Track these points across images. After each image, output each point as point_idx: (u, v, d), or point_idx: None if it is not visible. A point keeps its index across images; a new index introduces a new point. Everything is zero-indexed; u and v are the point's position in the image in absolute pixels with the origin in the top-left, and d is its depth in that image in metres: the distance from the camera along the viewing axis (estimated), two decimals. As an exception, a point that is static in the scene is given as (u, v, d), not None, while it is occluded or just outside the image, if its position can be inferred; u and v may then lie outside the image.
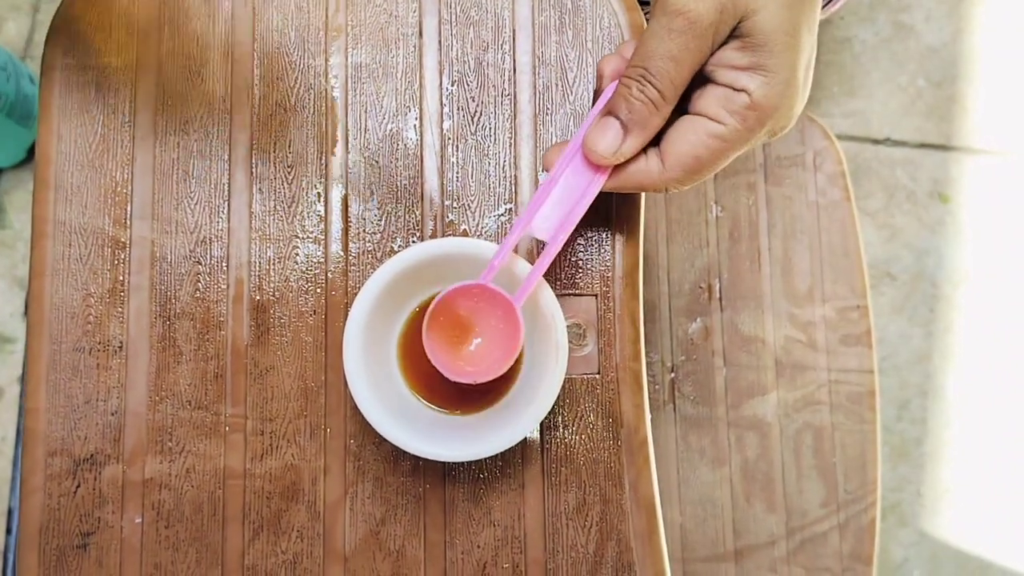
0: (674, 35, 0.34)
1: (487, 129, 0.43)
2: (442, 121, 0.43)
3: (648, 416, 0.42)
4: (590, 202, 0.38)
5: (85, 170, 0.43)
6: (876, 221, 1.13)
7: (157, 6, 0.44)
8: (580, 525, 0.42)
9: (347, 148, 0.43)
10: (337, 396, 0.42)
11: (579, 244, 0.43)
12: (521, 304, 0.37)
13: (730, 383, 0.71)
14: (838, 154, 0.74)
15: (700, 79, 0.36)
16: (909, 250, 1.13)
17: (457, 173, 0.43)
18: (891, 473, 1.10)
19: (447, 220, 0.43)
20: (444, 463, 0.42)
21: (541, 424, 0.42)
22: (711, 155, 0.36)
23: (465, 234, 0.43)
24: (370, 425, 0.38)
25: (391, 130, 0.43)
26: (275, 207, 0.43)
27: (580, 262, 0.43)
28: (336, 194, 0.43)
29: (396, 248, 0.43)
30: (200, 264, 0.42)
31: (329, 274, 0.42)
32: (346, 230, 0.43)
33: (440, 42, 0.44)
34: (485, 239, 0.43)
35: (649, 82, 0.35)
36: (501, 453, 0.41)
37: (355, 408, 0.38)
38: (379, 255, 0.43)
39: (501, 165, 0.43)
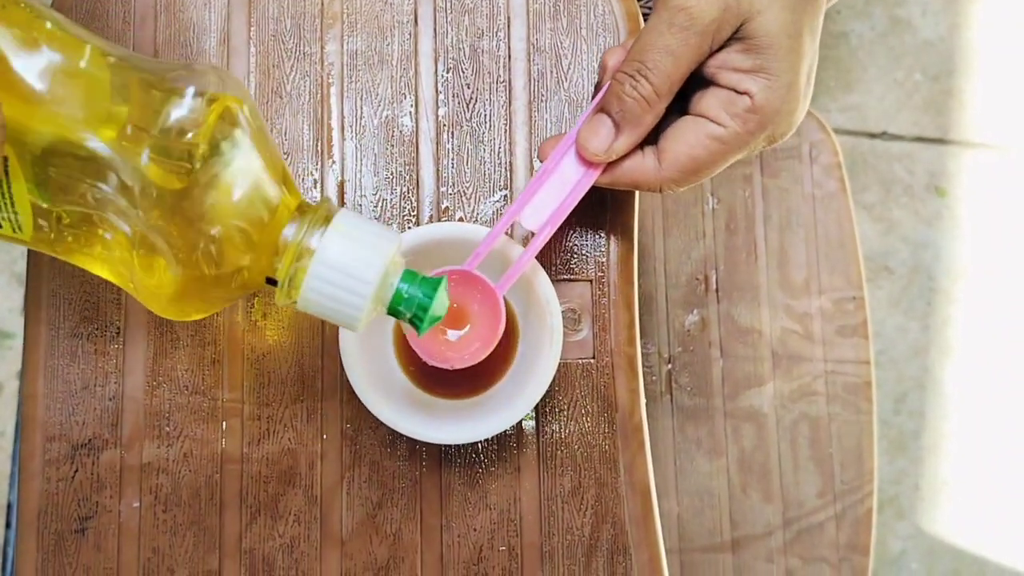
0: (675, 30, 0.34)
1: (482, 116, 0.44)
2: (437, 108, 0.44)
3: (643, 401, 0.42)
4: (581, 196, 0.38)
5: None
6: (873, 215, 1.14)
7: (154, -6, 0.44)
8: (575, 508, 0.42)
9: (343, 135, 0.43)
10: (333, 381, 0.42)
11: (574, 230, 0.43)
12: (504, 292, 0.37)
13: (727, 374, 0.71)
14: (834, 146, 0.74)
15: (702, 81, 0.36)
16: (906, 244, 1.14)
17: (452, 160, 0.43)
18: (888, 466, 1.10)
19: (443, 207, 0.43)
20: (440, 447, 0.42)
21: (536, 408, 0.42)
22: (709, 156, 0.36)
23: (461, 220, 0.43)
24: (366, 409, 0.38)
25: (386, 117, 0.44)
26: (271, 194, 0.43)
27: (575, 248, 0.43)
28: (332, 181, 0.43)
29: (392, 234, 0.43)
30: (197, 250, 0.43)
31: (325, 260, 0.43)
32: (342, 216, 0.43)
33: (435, 29, 0.44)
34: (480, 225, 0.43)
35: (644, 76, 0.35)
36: (496, 437, 0.41)
37: (351, 392, 0.39)
38: (375, 241, 0.43)
39: (496, 152, 0.44)
